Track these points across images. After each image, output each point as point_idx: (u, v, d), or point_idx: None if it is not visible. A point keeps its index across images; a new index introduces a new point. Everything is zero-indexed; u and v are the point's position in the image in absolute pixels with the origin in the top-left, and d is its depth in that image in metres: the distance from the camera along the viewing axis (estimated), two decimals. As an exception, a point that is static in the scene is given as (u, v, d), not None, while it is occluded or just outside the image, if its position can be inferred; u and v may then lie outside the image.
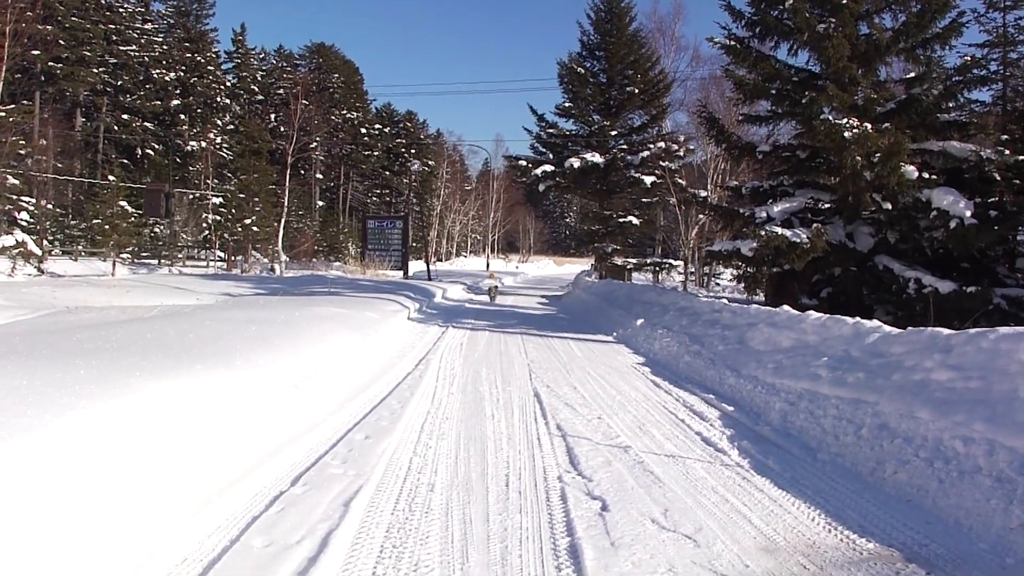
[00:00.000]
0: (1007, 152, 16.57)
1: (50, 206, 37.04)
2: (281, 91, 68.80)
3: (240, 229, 44.28)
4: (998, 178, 16.65)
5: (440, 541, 4.85)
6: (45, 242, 33.21)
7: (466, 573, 4.39)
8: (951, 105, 18.71)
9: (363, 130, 78.37)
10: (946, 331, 7.97)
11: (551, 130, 42.00)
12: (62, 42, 47.64)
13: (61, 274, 30.54)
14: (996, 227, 15.85)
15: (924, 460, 6.16)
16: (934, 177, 16.67)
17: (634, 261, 40.84)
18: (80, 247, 39.50)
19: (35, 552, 3.97)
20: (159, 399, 6.25)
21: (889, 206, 17.06)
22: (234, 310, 14.73)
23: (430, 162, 77.08)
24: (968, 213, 15.56)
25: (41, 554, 3.98)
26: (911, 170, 16.13)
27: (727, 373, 10.84)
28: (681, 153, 38.53)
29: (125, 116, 55.44)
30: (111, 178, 39.38)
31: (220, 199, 47.18)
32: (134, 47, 57.06)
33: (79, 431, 5.01)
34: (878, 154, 16.15)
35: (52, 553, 4.06)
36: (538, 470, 6.52)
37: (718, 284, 40.39)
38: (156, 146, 56.41)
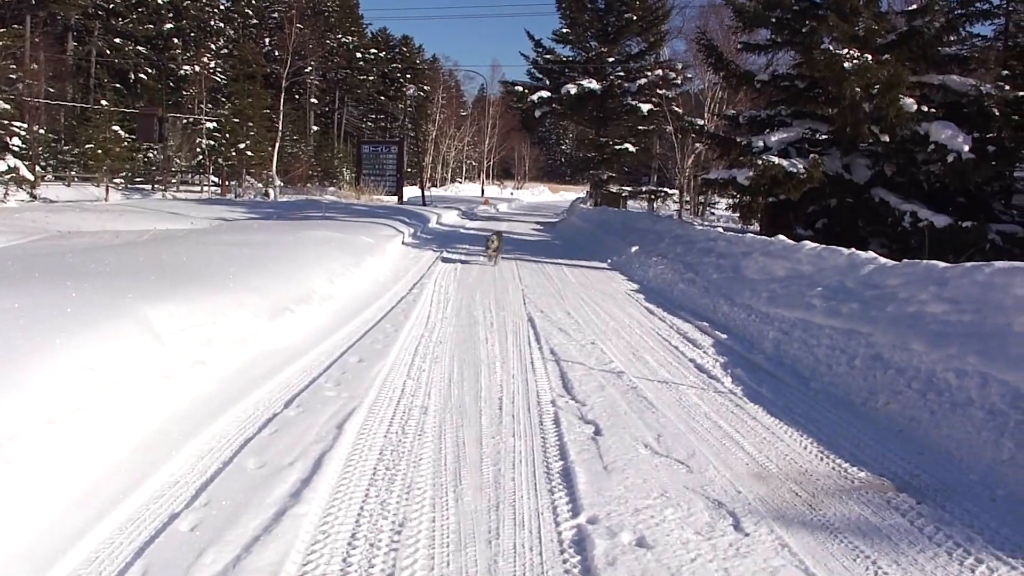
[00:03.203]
0: (1007, 88, 16.39)
1: (42, 131, 36.50)
2: (276, 14, 67.58)
3: (234, 154, 43.86)
4: (997, 114, 16.49)
5: (433, 464, 4.86)
6: (37, 167, 32.80)
7: (459, 495, 4.39)
8: (952, 39, 18.47)
9: (358, 55, 77.27)
10: (941, 264, 7.94)
11: (548, 56, 41.47)
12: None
13: (54, 199, 30.30)
14: (994, 162, 15.77)
15: (917, 391, 6.17)
16: (933, 111, 16.51)
17: (629, 189, 40.72)
18: (73, 172, 39.06)
19: (30, 478, 3.97)
20: (152, 322, 6.23)
21: (887, 139, 16.91)
22: (228, 234, 14.67)
23: (426, 87, 76.22)
24: (966, 148, 15.45)
25: (35, 481, 3.99)
26: (910, 103, 15.96)
27: (721, 301, 10.84)
28: (679, 81, 38.16)
29: (117, 40, 54.44)
30: (104, 103, 38.76)
31: (214, 124, 46.63)
32: (125, -32, 56.05)
33: (71, 357, 4.99)
34: (877, 86, 15.95)
35: (45, 481, 4.06)
36: (531, 394, 6.52)
37: (713, 213, 40.20)
38: (149, 70, 55.50)
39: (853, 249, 10.11)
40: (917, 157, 16.71)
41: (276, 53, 57.26)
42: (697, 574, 3.61)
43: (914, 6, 18.94)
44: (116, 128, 37.08)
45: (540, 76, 41.94)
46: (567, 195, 75.43)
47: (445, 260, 16.76)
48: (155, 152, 44.91)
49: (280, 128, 46.63)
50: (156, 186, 43.25)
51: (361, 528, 3.96)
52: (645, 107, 36.40)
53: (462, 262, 16.43)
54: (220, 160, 45.25)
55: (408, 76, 79.72)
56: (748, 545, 3.92)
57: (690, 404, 6.42)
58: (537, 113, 39.63)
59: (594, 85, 37.03)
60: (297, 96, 67.47)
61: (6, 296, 5.90)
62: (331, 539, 3.82)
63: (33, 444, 4.10)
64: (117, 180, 37.80)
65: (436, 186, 73.65)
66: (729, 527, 4.12)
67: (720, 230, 16.41)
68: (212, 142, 45.97)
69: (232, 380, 6.41)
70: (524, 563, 3.67)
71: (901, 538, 4.05)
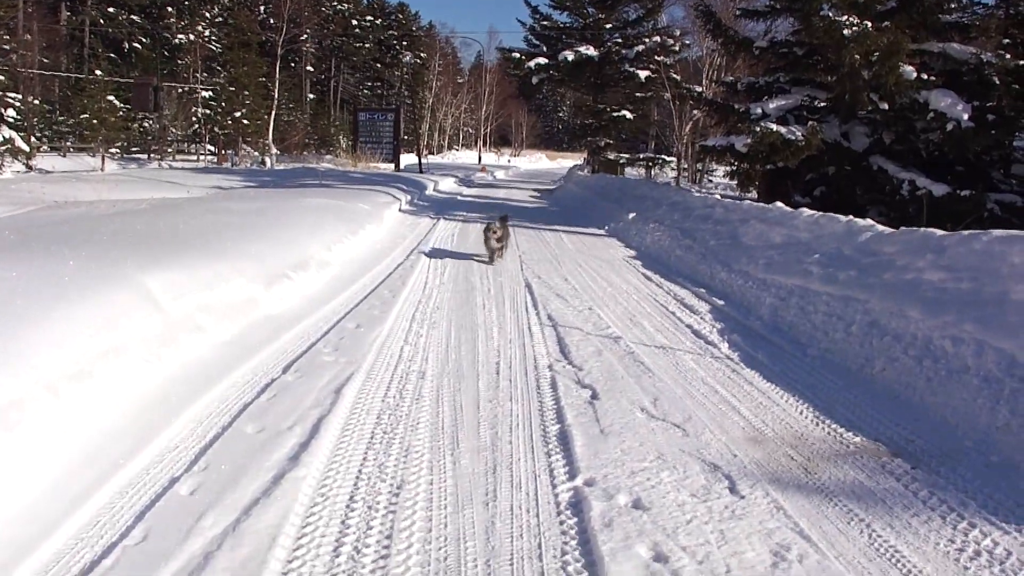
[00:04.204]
0: (1008, 56, 16.30)
1: (37, 102, 36.22)
2: (270, -19, 67.21)
3: (230, 123, 43.66)
4: (997, 82, 16.39)
5: (430, 427, 4.88)
6: (33, 138, 32.57)
7: (456, 459, 4.42)
8: (953, 6, 18.33)
9: (354, 22, 76.80)
10: (939, 232, 7.93)
11: (545, 22, 41.30)
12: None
13: (50, 170, 30.14)
14: (993, 131, 15.71)
15: (913, 358, 6.19)
16: (933, 79, 16.41)
17: (627, 156, 40.60)
18: (68, 143, 38.84)
19: (32, 444, 3.99)
20: (150, 289, 6.23)
21: (886, 106, 16.83)
22: (225, 202, 14.62)
23: (422, 55, 75.76)
24: (965, 116, 15.39)
25: (36, 447, 4.01)
26: (910, 70, 15.88)
27: (718, 268, 10.84)
28: (677, 48, 37.96)
29: (111, 9, 53.98)
30: (98, 73, 38.57)
31: (209, 93, 46.40)
32: (119, -64, 55.49)
33: (70, 325, 5.00)
34: (877, 53, 15.86)
35: (47, 447, 4.08)
36: (528, 359, 6.54)
37: (711, 181, 40.16)
38: (143, 39, 55.09)
39: (851, 217, 10.09)
40: (916, 125, 16.65)
41: (271, 21, 56.92)
42: (693, 536, 3.64)
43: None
44: (111, 98, 36.85)
45: (537, 43, 41.77)
46: (564, 162, 75.24)
47: (442, 227, 16.73)
48: (151, 122, 44.67)
49: (276, 96, 46.45)
50: (152, 156, 43.04)
51: (359, 491, 3.99)
52: (643, 74, 36.25)
53: (459, 229, 16.41)
54: (216, 129, 45.06)
55: (404, 43, 79.30)
56: (744, 508, 3.95)
57: (687, 369, 6.45)
58: (534, 80, 39.47)
59: (592, 52, 36.86)
60: (293, 64, 67.10)
61: (4, 266, 5.88)
62: (330, 501, 3.85)
63: (34, 411, 4.11)
64: (113, 150, 37.62)
65: (433, 154, 73.34)
66: (725, 490, 4.15)
67: (718, 197, 16.40)
68: (208, 111, 45.78)
69: (230, 346, 6.42)
70: (521, 524, 3.70)
71: (895, 502, 4.08)
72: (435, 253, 12.52)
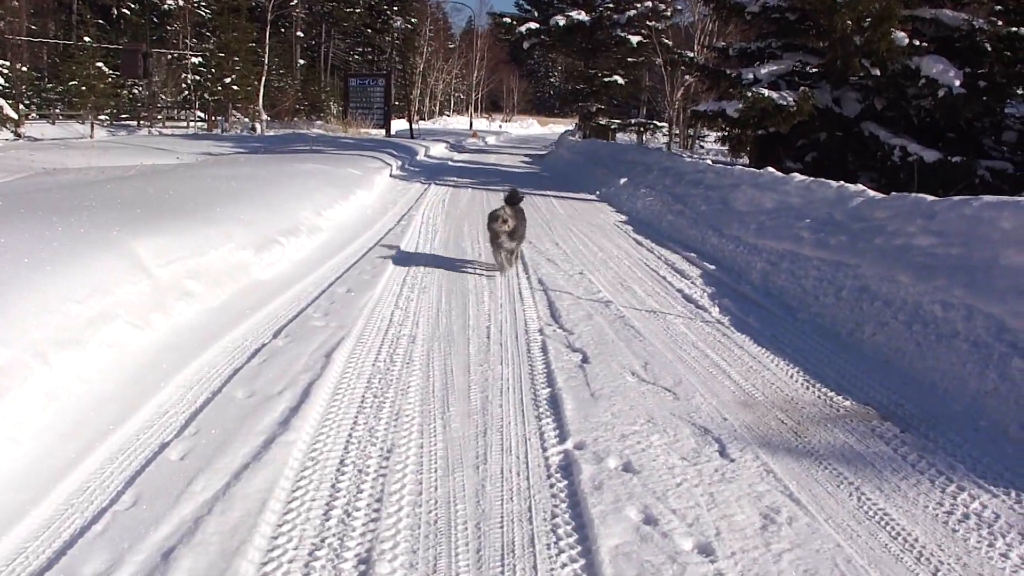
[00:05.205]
0: (999, 23, 16.16)
1: (25, 69, 35.84)
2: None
3: (220, 89, 43.25)
4: (989, 49, 16.26)
5: (421, 391, 4.88)
6: (21, 106, 32.24)
7: (447, 422, 4.42)
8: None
9: (345, -14, 76.27)
10: (930, 197, 7.91)
11: (537, -14, 41.06)
12: None
13: (39, 138, 29.85)
14: (984, 98, 15.63)
15: (903, 323, 6.20)
16: (925, 45, 16.34)
17: (618, 121, 40.47)
18: (57, 110, 38.42)
19: (20, 411, 3.98)
20: (139, 255, 6.20)
21: (878, 72, 16.76)
22: (215, 168, 14.54)
23: (413, 20, 75.16)
24: (957, 83, 15.31)
25: (24, 414, 4.00)
26: (902, 36, 15.81)
27: (709, 233, 10.83)
28: (668, 13, 37.71)
29: (100, -26, 53.57)
30: (87, 39, 38.10)
31: (199, 59, 45.95)
32: None
33: (58, 291, 4.99)
34: (869, 18, 15.79)
35: (35, 413, 4.08)
36: (519, 323, 6.55)
37: (702, 146, 40.05)
38: (132, 5, 54.32)
39: (842, 182, 10.07)
40: (908, 92, 16.56)
41: (261, -14, 56.36)
42: (683, 498, 3.65)
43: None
44: (100, 65, 36.46)
45: (528, 7, 41.60)
46: (556, 128, 75.03)
47: (433, 192, 16.68)
48: (140, 88, 44.29)
49: (266, 62, 45.96)
50: (142, 122, 42.69)
51: (350, 455, 3.99)
52: (634, 39, 36.03)
53: (450, 195, 16.36)
54: (206, 95, 44.67)
55: (395, 8, 78.55)
56: (733, 471, 3.96)
57: (677, 333, 6.45)
58: (525, 45, 39.29)
59: (583, 16, 36.63)
60: (283, 30, 66.44)
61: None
62: (320, 465, 3.85)
63: (21, 377, 4.10)
64: (102, 117, 37.26)
65: (424, 119, 73.04)
66: (715, 453, 4.16)
67: (709, 162, 16.39)
68: (197, 77, 45.38)
69: (220, 312, 6.41)
70: (511, 487, 3.71)
71: (884, 465, 4.10)
72: (426, 218, 12.49)
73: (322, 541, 3.22)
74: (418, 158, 27.20)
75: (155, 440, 4.05)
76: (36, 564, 2.99)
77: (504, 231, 8.24)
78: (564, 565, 3.12)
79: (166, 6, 54.26)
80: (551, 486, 3.75)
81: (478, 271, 8.61)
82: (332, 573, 3.02)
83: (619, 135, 40.70)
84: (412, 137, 38.61)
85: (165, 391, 4.65)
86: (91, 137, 32.07)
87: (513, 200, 8.80)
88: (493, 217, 8.29)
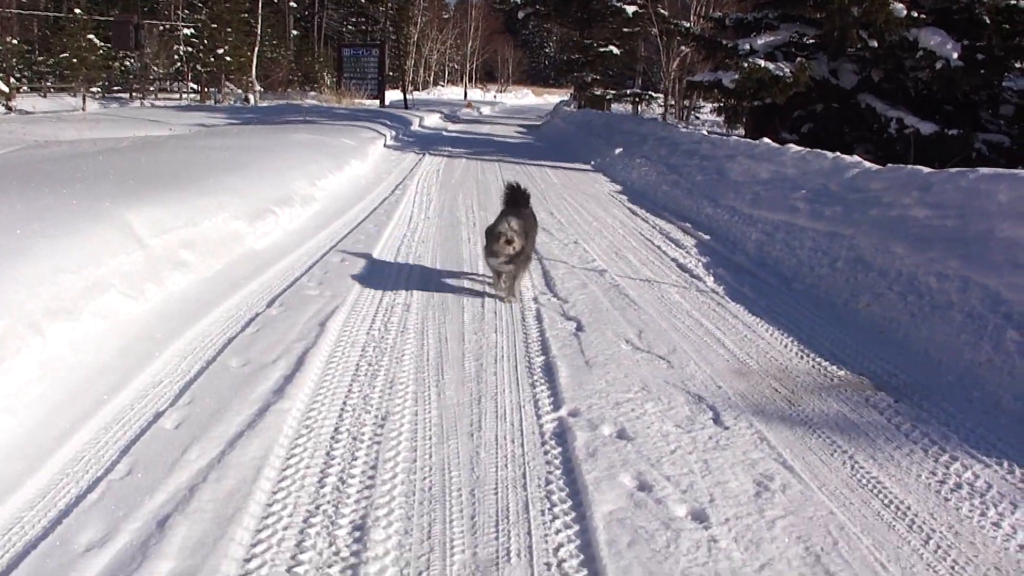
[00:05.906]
0: (998, -5, 16.16)
1: (15, 42, 35.55)
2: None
3: (213, 60, 43.01)
4: (988, 21, 16.19)
5: (415, 359, 4.88)
6: (12, 79, 32.00)
7: (441, 390, 4.43)
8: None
9: (338, -46, 75.72)
10: (926, 169, 7.89)
11: (531, -44, 40.74)
12: None
13: (30, 111, 29.68)
14: (982, 71, 15.59)
15: (898, 294, 6.20)
16: (923, 16, 16.24)
17: (614, 92, 40.33)
18: (49, 83, 38.13)
19: (14, 380, 3.98)
20: (133, 225, 6.18)
21: (875, 44, 16.69)
22: (208, 139, 14.49)
23: (407, -11, 74.84)
24: (955, 55, 15.26)
25: (19, 383, 4.00)
26: (900, 8, 15.71)
27: (704, 203, 10.82)
28: (665, -18, 37.58)
29: (90, -55, 53.11)
30: (77, 11, 37.76)
31: (191, 30, 45.63)
32: None
33: (52, 262, 4.97)
34: (867, -11, 15.75)
35: (29, 383, 4.07)
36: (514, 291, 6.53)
37: (698, 117, 39.92)
38: (123, -24, 54.22)
39: (838, 153, 10.05)
40: (905, 63, 16.52)
41: (253, -45, 55.91)
42: (677, 465, 3.66)
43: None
44: (91, 36, 36.16)
45: (524, -23, 41.22)
46: (551, 98, 74.83)
47: (427, 162, 16.64)
48: (132, 60, 43.96)
49: (259, 33, 45.69)
50: (134, 94, 42.36)
51: (344, 422, 3.99)
52: (630, 9, 35.82)
53: (444, 165, 16.32)
54: (198, 67, 44.39)
55: (389, -23, 78.18)
56: (727, 438, 3.97)
57: (672, 302, 6.46)
58: (520, 15, 39.14)
59: (578, -15, 36.44)
60: (275, 0, 66.11)
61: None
62: (314, 433, 3.85)
63: (15, 348, 4.09)
64: (94, 89, 37.02)
65: (418, 90, 72.69)
66: (709, 421, 4.17)
67: (704, 133, 16.33)
68: (190, 48, 45.04)
69: (214, 281, 6.40)
70: (506, 454, 3.71)
71: (878, 434, 4.11)
72: (420, 188, 12.46)
73: (317, 508, 3.23)
74: (412, 128, 27.12)
75: (150, 409, 4.05)
76: (32, 533, 3.00)
77: (507, 253, 5.93)
78: (558, 531, 3.14)
79: (157, -23, 53.83)
80: (545, 453, 3.76)
81: (473, 240, 8.59)
82: (327, 540, 3.03)
83: (614, 106, 40.56)
84: (406, 108, 38.45)
85: (159, 361, 4.64)
86: (83, 110, 31.91)
87: (516, 201, 6.71)
88: (494, 235, 5.93)
